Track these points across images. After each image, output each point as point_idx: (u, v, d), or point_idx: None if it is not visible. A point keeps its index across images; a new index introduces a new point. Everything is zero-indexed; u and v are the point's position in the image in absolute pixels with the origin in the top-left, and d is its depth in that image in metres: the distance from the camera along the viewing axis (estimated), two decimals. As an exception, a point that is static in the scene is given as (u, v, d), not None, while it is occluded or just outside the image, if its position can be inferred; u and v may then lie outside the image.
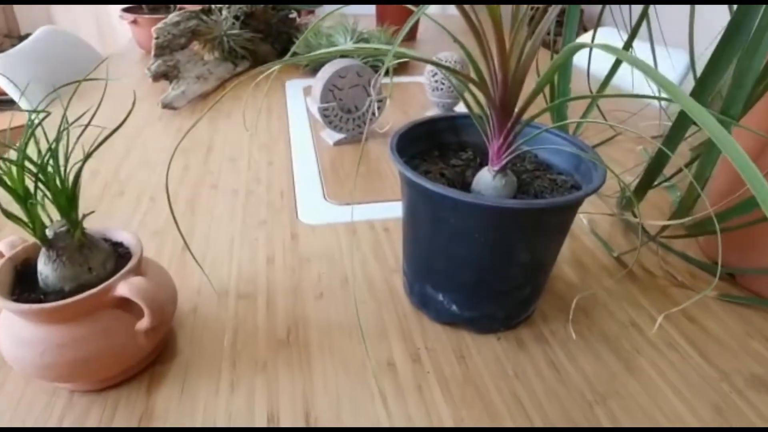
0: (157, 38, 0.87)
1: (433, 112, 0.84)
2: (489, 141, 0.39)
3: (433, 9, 1.95)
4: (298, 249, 0.53)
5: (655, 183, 0.47)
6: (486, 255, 0.37)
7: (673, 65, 1.00)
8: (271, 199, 0.62)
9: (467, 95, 0.40)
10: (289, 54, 0.40)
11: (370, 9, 1.32)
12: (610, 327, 0.44)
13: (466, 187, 0.42)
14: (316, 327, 0.43)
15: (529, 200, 0.34)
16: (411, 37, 1.34)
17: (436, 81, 0.79)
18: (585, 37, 1.29)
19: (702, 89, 0.40)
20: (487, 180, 0.40)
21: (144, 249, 0.46)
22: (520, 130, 0.38)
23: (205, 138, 0.76)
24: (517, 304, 0.42)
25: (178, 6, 1.17)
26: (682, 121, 0.41)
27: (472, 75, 0.36)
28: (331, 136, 0.76)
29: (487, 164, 0.45)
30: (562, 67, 0.57)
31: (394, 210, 0.60)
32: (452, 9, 2.04)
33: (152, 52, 0.88)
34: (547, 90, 0.64)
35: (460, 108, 0.84)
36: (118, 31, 2.29)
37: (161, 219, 0.57)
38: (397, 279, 0.49)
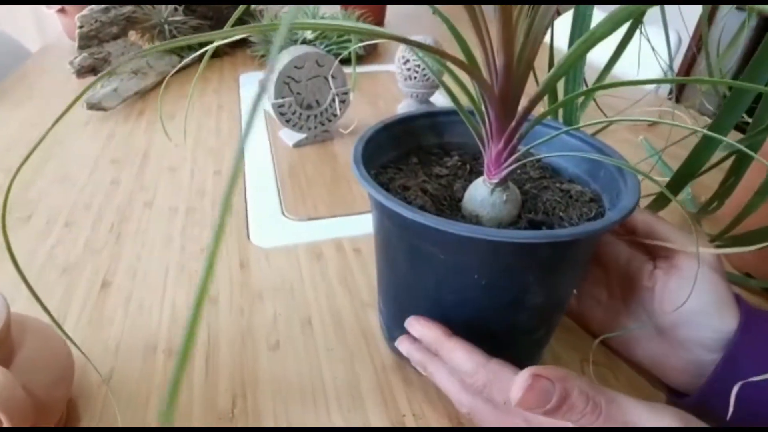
0: (81, 27, 0.74)
1: (406, 103, 0.75)
2: (485, 144, 0.30)
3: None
4: (249, 282, 0.43)
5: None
6: (489, 299, 0.28)
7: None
8: (217, 217, 0.51)
9: (450, 83, 0.30)
10: (231, 37, 0.30)
11: (333, -7, 1.21)
12: (635, 366, 0.36)
13: (455, 204, 0.32)
14: (269, 391, 0.34)
15: (549, 232, 0.25)
16: (378, 22, 1.24)
17: (409, 69, 0.69)
18: (563, 20, 1.21)
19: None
20: (483, 195, 0.31)
21: (42, 297, 0.35)
22: (527, 131, 0.29)
23: (141, 145, 0.65)
24: (526, 350, 0.33)
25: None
26: (735, 102, 0.33)
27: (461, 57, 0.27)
28: (290, 137, 0.65)
29: (479, 172, 0.36)
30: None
31: (366, 224, 0.50)
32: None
33: (77, 44, 0.75)
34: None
35: (437, 98, 0.75)
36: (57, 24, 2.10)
37: (76, 250, 0.46)
38: (373, 315, 0.40)
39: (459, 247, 0.26)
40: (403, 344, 0.32)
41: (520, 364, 0.33)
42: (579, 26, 0.43)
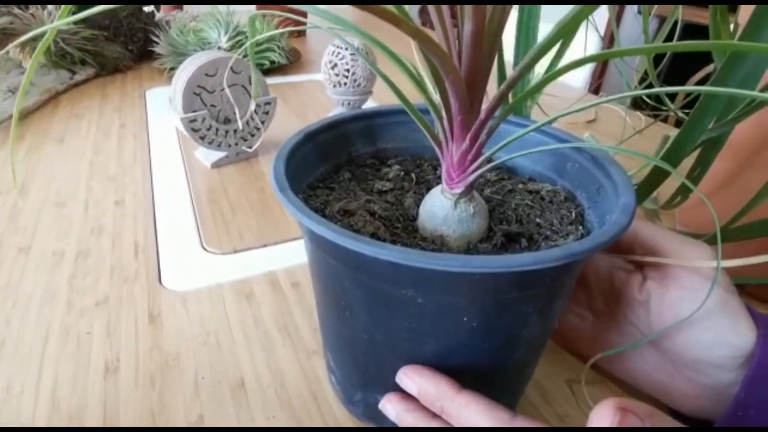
0: (-66, 39, 0.61)
1: (337, 113, 0.68)
2: (443, 146, 0.24)
3: None
4: (161, 339, 0.34)
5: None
6: (481, 342, 0.22)
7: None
8: (119, 260, 0.41)
9: (394, 76, 0.24)
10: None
11: (250, 6, 1.12)
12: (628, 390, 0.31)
13: (411, 225, 0.26)
14: (192, 491, 0.25)
15: (565, 249, 0.19)
16: (300, 33, 1.17)
17: (337, 74, 0.62)
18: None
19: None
20: (445, 210, 0.25)
21: None
22: (495, 127, 0.23)
23: (18, 176, 0.53)
24: (516, 387, 0.28)
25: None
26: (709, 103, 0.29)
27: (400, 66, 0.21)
28: (207, 156, 0.56)
29: (427, 181, 0.30)
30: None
31: (302, 252, 0.43)
32: None
33: (-70, 60, 0.61)
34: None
35: (371, 105, 0.69)
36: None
37: None
38: (321, 366, 0.33)
39: (445, 287, 0.20)
40: (390, 406, 0.25)
41: (508, 403, 0.27)
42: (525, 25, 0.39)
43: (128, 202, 0.50)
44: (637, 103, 1.00)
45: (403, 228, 0.26)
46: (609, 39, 1.46)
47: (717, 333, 0.24)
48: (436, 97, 0.23)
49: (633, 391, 0.30)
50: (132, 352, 0.33)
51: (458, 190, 0.25)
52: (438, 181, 0.29)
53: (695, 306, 0.24)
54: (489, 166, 0.24)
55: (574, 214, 0.27)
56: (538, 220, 0.27)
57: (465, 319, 0.20)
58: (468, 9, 0.17)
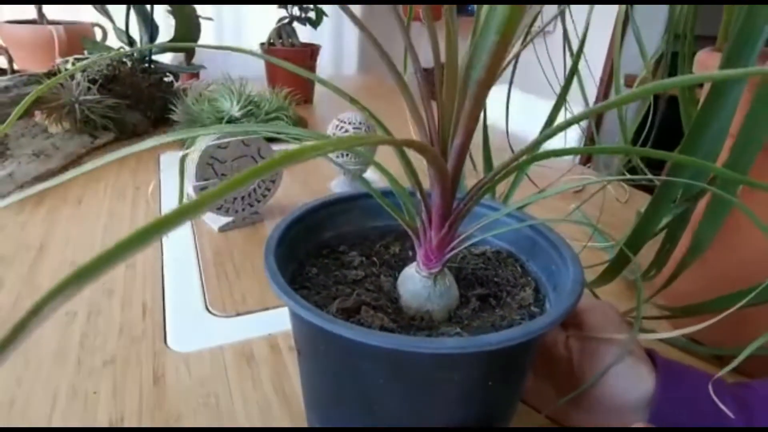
0: (-28, 108, 0.67)
1: (338, 181, 0.73)
2: (421, 231, 0.27)
3: (328, 71, 1.91)
4: (165, 400, 0.36)
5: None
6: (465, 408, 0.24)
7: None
8: (128, 320, 0.44)
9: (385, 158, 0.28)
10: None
11: (260, 71, 1.21)
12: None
13: (398, 308, 0.29)
14: None
15: (556, 312, 0.23)
16: (306, 100, 1.25)
17: (341, 146, 0.67)
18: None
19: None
20: (427, 288, 0.28)
21: None
22: (468, 212, 0.27)
23: (37, 237, 0.57)
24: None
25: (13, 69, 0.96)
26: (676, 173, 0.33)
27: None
28: (215, 221, 0.60)
29: (388, 262, 0.33)
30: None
31: (302, 316, 0.45)
32: (348, 69, 2.02)
33: (-34, 127, 0.67)
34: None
35: (370, 175, 0.74)
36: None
37: (-65, 378, 0.36)
38: None
39: (470, 363, 0.23)
40: None
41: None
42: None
43: (138, 264, 0.53)
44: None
45: (393, 312, 0.28)
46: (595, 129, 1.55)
47: (627, 382, 0.28)
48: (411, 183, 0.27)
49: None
50: (135, 413, 0.35)
51: (436, 270, 0.28)
52: (395, 260, 0.32)
53: (610, 358, 0.28)
54: (463, 246, 0.27)
55: (519, 268, 0.31)
56: (495, 279, 0.30)
57: (490, 383, 0.24)
58: (460, 127, 0.21)
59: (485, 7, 0.19)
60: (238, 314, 0.46)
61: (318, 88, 1.28)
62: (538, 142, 0.25)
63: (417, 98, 0.25)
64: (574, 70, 0.48)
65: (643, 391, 0.28)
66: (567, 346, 0.31)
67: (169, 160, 0.82)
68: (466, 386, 0.24)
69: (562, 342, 0.31)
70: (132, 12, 1.05)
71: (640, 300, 0.26)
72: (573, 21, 0.48)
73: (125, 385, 0.37)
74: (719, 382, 0.27)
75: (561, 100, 0.46)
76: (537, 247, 0.31)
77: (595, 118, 1.56)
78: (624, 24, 0.50)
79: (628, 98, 0.21)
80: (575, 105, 0.53)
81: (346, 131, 0.65)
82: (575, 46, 0.46)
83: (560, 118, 0.49)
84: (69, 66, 0.89)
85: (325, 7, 1.20)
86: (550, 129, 0.23)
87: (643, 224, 0.35)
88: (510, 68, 0.49)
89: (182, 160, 0.36)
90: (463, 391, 0.24)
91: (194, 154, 0.56)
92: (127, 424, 0.34)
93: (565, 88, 0.47)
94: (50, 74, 0.86)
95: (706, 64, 0.39)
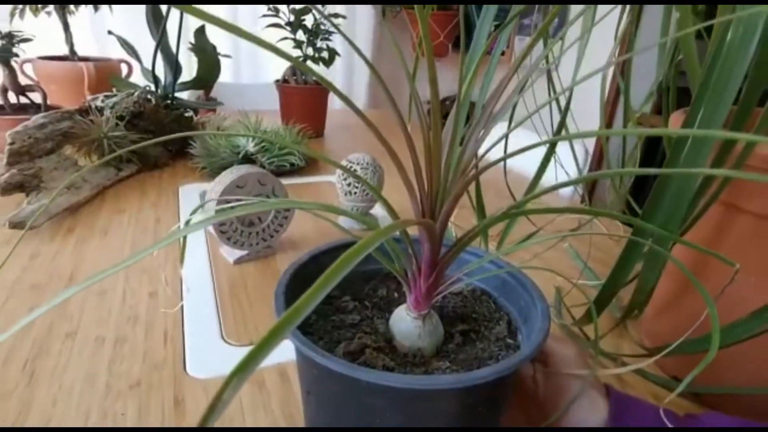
0: (11, 144, 0.73)
1: (346, 218, 0.77)
2: (410, 280, 0.31)
3: (338, 104, 1.98)
4: (184, 422, 0.40)
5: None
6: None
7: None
8: (151, 347, 0.48)
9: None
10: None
11: (274, 104, 1.27)
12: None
13: (391, 347, 0.32)
14: None
15: (535, 343, 0.27)
16: (318, 134, 1.31)
17: (349, 185, 0.72)
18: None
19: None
20: (418, 327, 0.32)
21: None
22: (453, 258, 0.31)
23: (68, 265, 0.61)
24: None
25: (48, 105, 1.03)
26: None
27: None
28: (230, 254, 0.64)
29: (377, 305, 0.36)
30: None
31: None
32: (358, 106, 2.09)
33: (5, 160, 0.73)
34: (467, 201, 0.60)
35: (377, 211, 0.78)
36: None
37: (-20, 398, 0.41)
38: (320, 453, 0.38)
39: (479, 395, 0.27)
40: None
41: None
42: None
43: (160, 293, 0.57)
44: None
45: (389, 351, 0.32)
46: (599, 152, 1.58)
47: (586, 412, 0.32)
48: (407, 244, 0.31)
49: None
50: (159, 434, 0.38)
51: (425, 312, 0.32)
52: (383, 302, 0.36)
53: (573, 392, 0.32)
54: (449, 290, 0.32)
55: (493, 304, 0.36)
56: (473, 315, 0.34)
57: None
58: (446, 204, 0.26)
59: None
60: (252, 344, 0.49)
61: (327, 123, 1.34)
62: (526, 201, 0.30)
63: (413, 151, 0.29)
64: (562, 124, 0.52)
65: (599, 419, 0.32)
66: (534, 380, 0.34)
67: (188, 192, 0.87)
68: (464, 413, 0.28)
69: (530, 376, 0.35)
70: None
71: (597, 339, 0.29)
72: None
73: (149, 408, 0.41)
74: (668, 413, 0.31)
75: (551, 152, 0.51)
76: (506, 285, 0.35)
77: (598, 149, 1.60)
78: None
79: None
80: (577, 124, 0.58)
81: (355, 171, 0.69)
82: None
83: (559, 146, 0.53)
84: (99, 102, 0.96)
85: (338, 47, 1.26)
86: (540, 190, 0.27)
87: (617, 270, 0.39)
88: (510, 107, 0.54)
89: (202, 196, 0.41)
90: (461, 416, 0.28)
91: (213, 194, 0.60)
92: (151, 444, 0.37)
93: (558, 131, 0.52)
94: (81, 111, 0.92)
95: (676, 123, 0.43)
